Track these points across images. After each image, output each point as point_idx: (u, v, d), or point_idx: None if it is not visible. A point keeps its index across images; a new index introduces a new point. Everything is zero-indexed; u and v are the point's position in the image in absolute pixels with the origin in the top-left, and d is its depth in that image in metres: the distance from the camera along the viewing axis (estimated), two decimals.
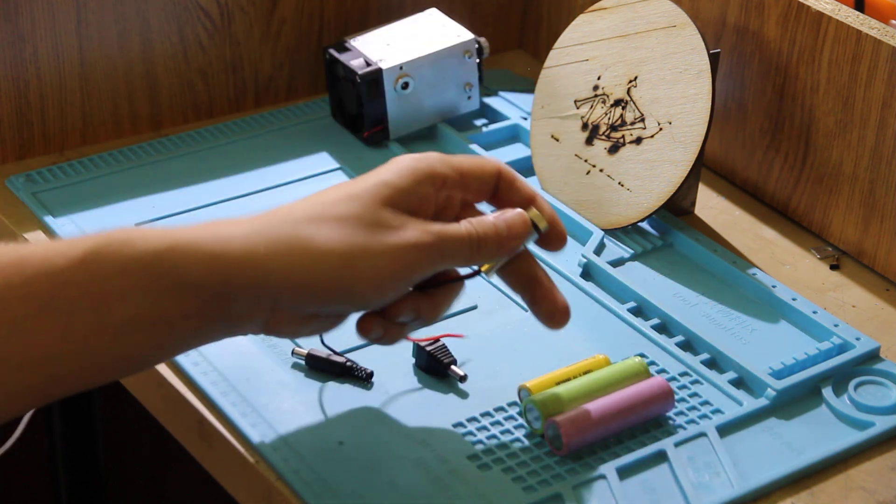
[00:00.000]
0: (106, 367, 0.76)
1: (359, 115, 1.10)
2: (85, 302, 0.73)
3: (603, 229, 1.01)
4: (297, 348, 0.88)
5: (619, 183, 1.02)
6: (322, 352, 0.88)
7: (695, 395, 0.89)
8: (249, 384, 0.87)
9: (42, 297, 0.73)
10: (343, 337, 0.91)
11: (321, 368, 0.88)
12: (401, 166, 0.81)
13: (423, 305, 0.82)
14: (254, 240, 0.76)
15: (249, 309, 0.77)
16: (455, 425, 0.85)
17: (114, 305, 0.74)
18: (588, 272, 0.99)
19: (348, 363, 0.87)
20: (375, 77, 1.08)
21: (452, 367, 0.88)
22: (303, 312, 0.79)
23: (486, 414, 0.86)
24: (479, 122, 1.15)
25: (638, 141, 1.02)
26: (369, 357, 0.89)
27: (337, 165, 1.08)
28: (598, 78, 1.05)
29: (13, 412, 0.75)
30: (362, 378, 0.87)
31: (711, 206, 1.08)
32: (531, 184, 0.88)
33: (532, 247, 0.98)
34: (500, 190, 0.84)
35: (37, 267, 0.73)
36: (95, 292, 0.73)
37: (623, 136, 1.02)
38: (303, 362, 0.88)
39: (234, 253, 0.76)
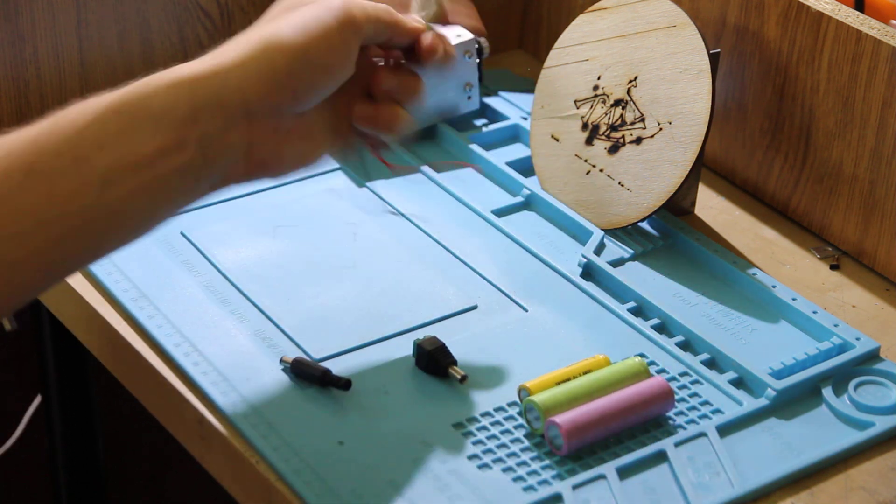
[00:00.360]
0: (98, 230, 0.76)
1: None
2: (63, 160, 0.74)
3: (603, 229, 1.01)
4: (284, 356, 0.88)
5: (619, 183, 1.02)
6: (305, 360, 0.88)
7: (695, 395, 0.89)
8: (249, 384, 0.87)
9: (22, 165, 0.74)
10: (339, 339, 0.91)
11: (303, 376, 0.87)
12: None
13: (403, 76, 0.89)
14: (220, 58, 0.80)
15: (224, 129, 0.78)
16: (455, 425, 0.85)
17: (91, 156, 0.75)
18: (588, 272, 0.99)
19: (327, 372, 0.87)
20: None
21: (452, 367, 0.88)
22: (279, 119, 0.81)
23: (486, 414, 0.86)
24: (479, 122, 1.15)
25: (638, 141, 1.02)
26: (369, 357, 0.90)
27: (337, 165, 1.08)
28: (598, 78, 1.05)
29: (14, 294, 0.75)
30: (340, 386, 0.86)
31: (711, 206, 1.08)
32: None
33: (533, 246, 0.98)
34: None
35: (9, 139, 0.74)
36: (72, 146, 0.75)
37: (623, 136, 1.02)
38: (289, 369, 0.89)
39: (200, 74, 0.79)
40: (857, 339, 0.93)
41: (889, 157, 0.98)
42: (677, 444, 0.84)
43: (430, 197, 1.05)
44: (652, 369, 0.90)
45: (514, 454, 0.83)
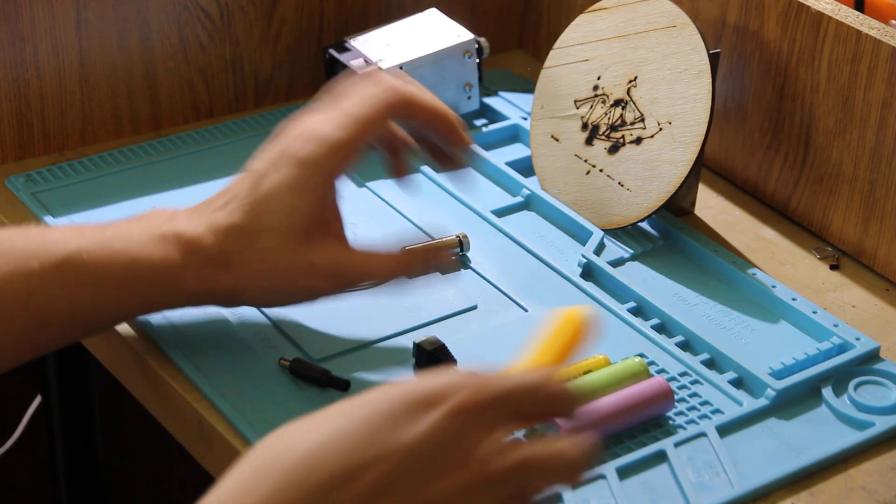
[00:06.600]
0: (78, 339, 0.89)
1: None
2: (60, 303, 0.82)
3: (603, 229, 1.01)
4: (283, 358, 0.88)
5: (619, 183, 1.02)
6: (305, 360, 0.88)
7: (695, 395, 0.89)
8: (249, 384, 0.87)
9: (20, 292, 0.81)
10: (339, 339, 0.91)
11: (302, 376, 0.87)
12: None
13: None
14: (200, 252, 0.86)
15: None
16: None
17: (87, 310, 0.83)
18: (588, 272, 0.98)
19: (326, 373, 0.87)
20: None
21: (452, 367, 0.88)
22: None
23: None
24: (479, 122, 1.15)
25: (638, 141, 1.02)
26: (369, 357, 0.89)
27: None
28: (598, 78, 1.05)
29: None
30: (339, 387, 0.86)
31: (711, 206, 1.08)
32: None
33: (533, 246, 0.98)
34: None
35: (13, 264, 0.81)
36: (69, 297, 0.82)
37: (623, 136, 1.02)
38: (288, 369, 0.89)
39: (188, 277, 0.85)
40: (857, 339, 0.93)
41: (889, 157, 0.98)
42: (677, 444, 0.84)
43: (430, 197, 1.05)
44: (652, 369, 0.90)
45: None
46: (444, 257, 0.96)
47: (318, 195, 0.86)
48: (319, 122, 0.87)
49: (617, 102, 1.03)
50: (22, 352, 0.84)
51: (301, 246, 0.86)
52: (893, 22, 1.04)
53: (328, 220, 0.88)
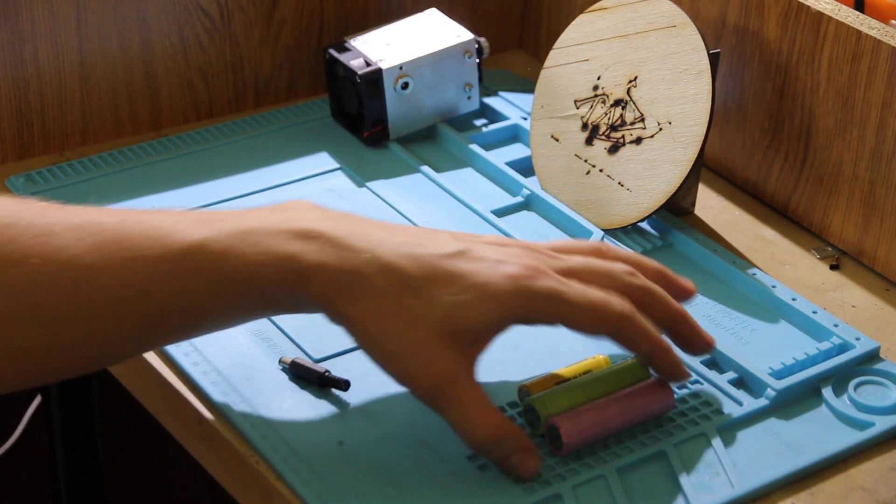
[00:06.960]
0: (199, 333, 0.82)
1: (359, 115, 1.10)
2: (181, 296, 0.78)
3: (603, 229, 1.01)
4: (283, 357, 0.88)
5: (619, 183, 1.02)
6: (304, 361, 0.88)
7: (695, 395, 0.89)
8: (249, 384, 0.87)
9: (140, 282, 0.77)
10: (339, 339, 0.91)
11: (302, 377, 0.87)
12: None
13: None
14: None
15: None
16: None
17: (207, 304, 0.78)
18: None
19: (326, 373, 0.87)
20: (375, 77, 1.08)
21: None
22: None
23: None
24: (479, 122, 1.15)
25: (638, 141, 1.02)
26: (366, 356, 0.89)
27: (337, 165, 1.09)
28: (598, 78, 1.05)
29: (77, 372, 0.80)
30: (339, 387, 0.86)
31: (711, 206, 1.08)
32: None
33: None
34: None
35: (134, 251, 0.77)
36: (191, 290, 0.77)
37: (623, 136, 1.02)
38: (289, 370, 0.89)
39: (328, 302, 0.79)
40: (857, 339, 0.93)
41: (889, 157, 0.98)
42: (677, 444, 0.84)
43: (430, 197, 1.05)
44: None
45: None
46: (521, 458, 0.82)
47: (496, 320, 0.79)
48: (558, 266, 0.82)
49: (617, 102, 1.03)
50: (141, 343, 0.81)
51: (435, 338, 0.78)
52: (893, 22, 1.04)
53: (477, 345, 0.80)
